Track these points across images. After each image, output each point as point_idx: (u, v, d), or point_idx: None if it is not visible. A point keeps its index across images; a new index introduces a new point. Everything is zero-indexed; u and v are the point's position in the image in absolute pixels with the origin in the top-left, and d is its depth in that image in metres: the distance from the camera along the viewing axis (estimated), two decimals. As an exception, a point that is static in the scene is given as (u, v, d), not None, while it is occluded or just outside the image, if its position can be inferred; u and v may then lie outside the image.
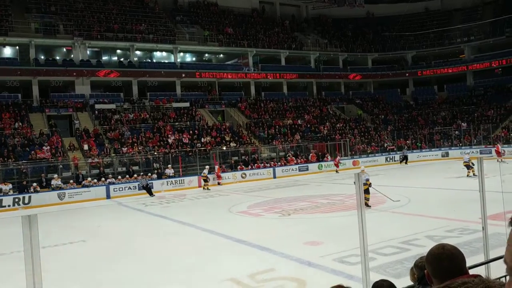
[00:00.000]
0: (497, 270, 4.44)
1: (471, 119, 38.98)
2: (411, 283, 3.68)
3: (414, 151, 36.62)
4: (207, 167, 26.86)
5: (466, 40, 45.62)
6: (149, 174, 26.64)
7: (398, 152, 35.90)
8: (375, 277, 7.31)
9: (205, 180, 26.04)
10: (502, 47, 42.49)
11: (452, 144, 36.87)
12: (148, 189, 24.42)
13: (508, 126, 36.17)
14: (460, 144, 36.45)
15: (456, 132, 38.09)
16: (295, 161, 31.98)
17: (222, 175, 28.29)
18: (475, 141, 36.44)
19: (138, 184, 25.00)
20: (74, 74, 33.33)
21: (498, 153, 28.37)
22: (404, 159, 33.98)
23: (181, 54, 40.25)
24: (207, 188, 25.61)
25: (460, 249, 1.88)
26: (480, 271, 4.48)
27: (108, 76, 34.39)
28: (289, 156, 32.47)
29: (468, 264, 1.85)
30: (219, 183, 27.23)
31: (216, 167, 28.17)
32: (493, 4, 46.32)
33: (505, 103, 39.79)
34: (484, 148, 34.34)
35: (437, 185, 19.85)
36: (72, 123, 31.49)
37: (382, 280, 3.14)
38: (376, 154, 35.73)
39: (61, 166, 26.33)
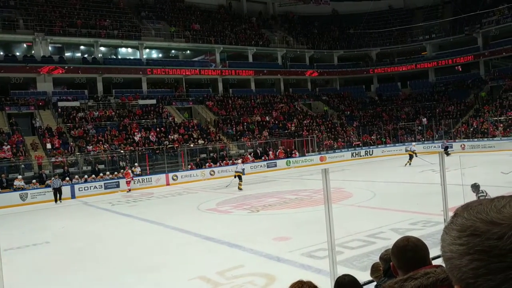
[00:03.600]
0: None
1: (433, 115, 40.17)
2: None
3: (379, 146, 37.45)
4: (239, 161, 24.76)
5: (428, 38, 46.94)
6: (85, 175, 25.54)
7: (379, 146, 36.90)
8: (342, 271, 7.44)
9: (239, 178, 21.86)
10: (461, 44, 44.02)
11: (416, 139, 37.89)
12: (59, 192, 22.40)
13: (467, 121, 37.49)
14: (423, 139, 37.51)
15: (419, 127, 39.18)
16: (251, 160, 31.42)
17: (190, 172, 28.11)
18: (436, 136, 37.58)
19: (52, 187, 22.55)
20: (34, 71, 32.12)
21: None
22: (445, 149, 31.92)
23: (147, 50, 39.66)
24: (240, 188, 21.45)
25: (424, 240, 1.95)
26: (442, 261, 4.64)
27: (52, 73, 32.82)
28: (246, 155, 32.24)
29: (431, 255, 1.91)
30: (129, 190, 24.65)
31: (123, 170, 25.75)
32: (452, 3, 47.81)
33: (465, 99, 41.23)
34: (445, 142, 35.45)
35: (401, 179, 20.38)
36: (33, 121, 30.51)
37: (344, 275, 3.19)
38: (343, 150, 36.32)
39: (23, 165, 25.51)
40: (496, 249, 0.65)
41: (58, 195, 22.49)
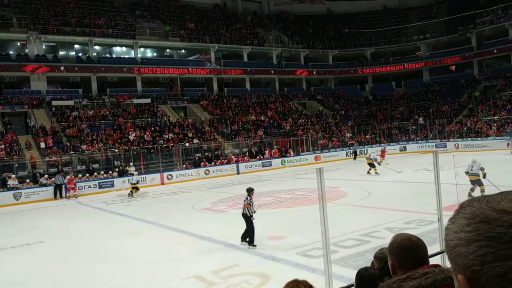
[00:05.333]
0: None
1: (427, 114, 40.35)
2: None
3: (374, 145, 37.55)
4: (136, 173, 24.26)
5: (422, 38, 47.12)
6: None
7: (373, 146, 36.94)
8: (337, 270, 7.48)
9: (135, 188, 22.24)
10: (455, 44, 44.23)
11: (410, 138, 38.08)
12: (60, 189, 23.14)
13: (461, 121, 37.68)
14: (418, 139, 37.67)
15: (413, 127, 39.35)
16: (234, 160, 31.09)
17: (185, 172, 28.08)
18: (430, 135, 37.75)
19: (54, 183, 23.26)
20: (22, 69, 31.86)
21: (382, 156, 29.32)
22: (354, 154, 34.30)
23: (142, 49, 39.52)
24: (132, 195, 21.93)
25: (418, 239, 1.95)
26: (437, 260, 4.66)
27: (36, 71, 32.29)
28: (229, 155, 31.89)
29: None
30: (76, 196, 23.16)
31: (68, 177, 23.64)
32: (446, 3, 48.03)
33: (458, 98, 41.43)
34: (439, 142, 35.67)
35: (395, 179, 20.46)
36: (27, 120, 30.35)
37: (372, 268, 3.04)
38: (337, 149, 36.39)
39: (16, 165, 25.37)
40: (506, 236, 0.66)
41: (59, 192, 23.12)
